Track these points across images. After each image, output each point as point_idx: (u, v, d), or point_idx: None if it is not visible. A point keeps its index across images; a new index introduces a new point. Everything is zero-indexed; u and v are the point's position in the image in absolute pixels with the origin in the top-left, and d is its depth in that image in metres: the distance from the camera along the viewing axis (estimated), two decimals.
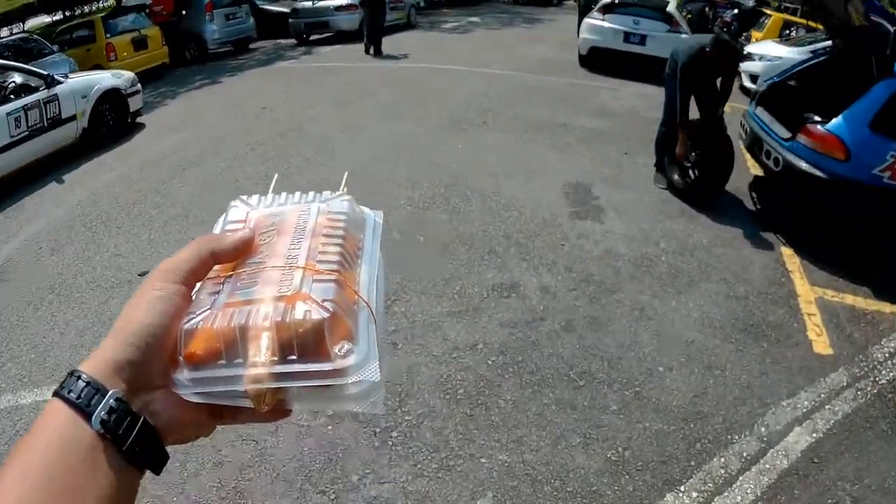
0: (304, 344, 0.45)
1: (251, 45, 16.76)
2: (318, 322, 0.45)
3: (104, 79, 8.40)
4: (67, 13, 18.98)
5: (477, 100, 9.56)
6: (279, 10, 17.98)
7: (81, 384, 0.43)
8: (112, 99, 8.34)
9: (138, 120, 9.08)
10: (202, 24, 15.07)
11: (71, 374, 0.45)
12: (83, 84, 7.97)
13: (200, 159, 7.30)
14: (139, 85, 9.01)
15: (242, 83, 11.84)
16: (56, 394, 0.44)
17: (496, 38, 16.13)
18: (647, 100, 9.31)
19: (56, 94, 7.41)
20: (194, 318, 0.47)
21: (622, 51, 11.51)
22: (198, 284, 0.51)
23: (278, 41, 17.08)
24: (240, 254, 0.53)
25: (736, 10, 15.62)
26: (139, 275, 4.69)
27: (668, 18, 11.28)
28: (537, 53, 13.58)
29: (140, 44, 12.91)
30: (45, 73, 7.55)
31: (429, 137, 7.83)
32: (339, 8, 15.58)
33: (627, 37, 11.29)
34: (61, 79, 7.66)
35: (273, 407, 0.46)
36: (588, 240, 5.15)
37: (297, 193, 0.60)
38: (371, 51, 13.98)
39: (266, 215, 0.57)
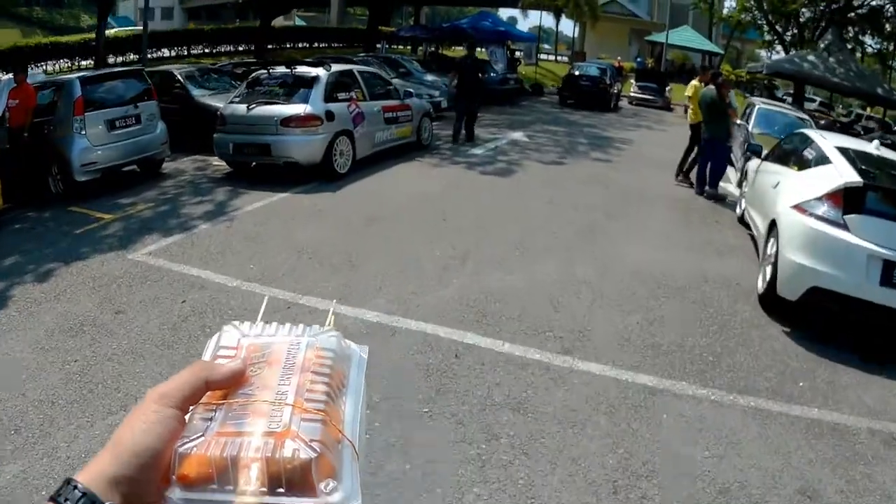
0: (291, 479, 0.48)
1: (164, 168, 10.29)
2: (305, 461, 0.48)
3: None
4: None
5: None
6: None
7: (78, 494, 0.46)
8: None
9: None
10: (67, 137, 8.64)
11: (67, 482, 0.47)
12: None
13: None
14: None
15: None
16: (52, 499, 0.46)
17: (559, 188, 9.65)
18: None
19: None
20: (188, 442, 0.50)
21: (879, 305, 4.88)
22: (191, 409, 0.53)
23: (208, 160, 10.59)
24: (232, 384, 0.55)
25: None
26: None
27: None
28: (643, 254, 6.95)
29: None
30: None
31: None
32: (288, 121, 9.01)
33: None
34: None
35: None
36: None
37: (287, 325, 0.62)
38: (462, 138, 12.51)
39: (257, 345, 0.59)
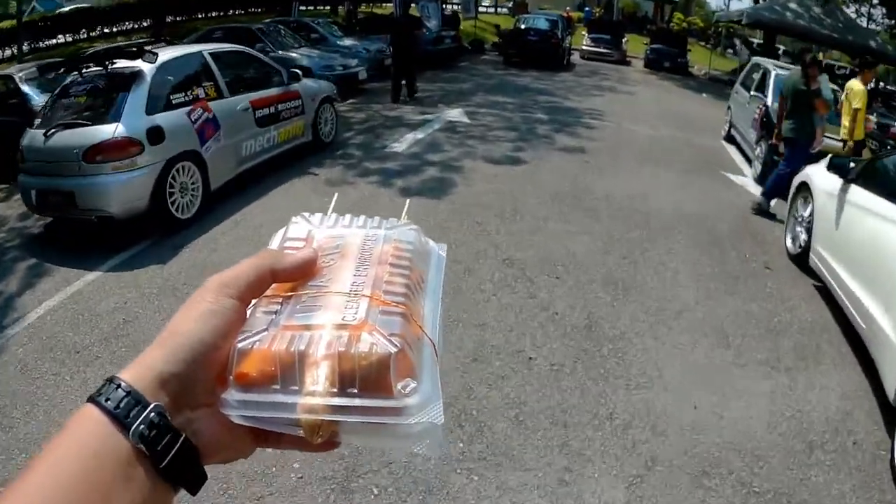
0: (366, 377, 0.43)
1: None
2: (384, 356, 0.43)
3: None
4: None
5: None
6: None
7: (121, 393, 0.41)
8: None
9: None
10: None
11: (110, 380, 0.42)
12: None
13: None
14: None
15: None
16: (92, 399, 0.41)
17: (519, 220, 6.39)
18: None
19: None
20: (250, 337, 0.45)
21: None
22: (253, 302, 0.48)
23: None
24: (302, 274, 0.49)
25: None
26: None
27: None
28: (678, 394, 3.89)
29: None
30: None
31: None
32: (93, 153, 5.33)
33: None
34: None
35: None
36: None
37: (362, 217, 0.58)
38: (404, 95, 11.86)
39: (329, 236, 0.54)
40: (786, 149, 7.11)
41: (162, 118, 5.73)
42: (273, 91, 7.44)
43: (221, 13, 27.27)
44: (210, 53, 6.75)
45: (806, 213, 5.81)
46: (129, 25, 23.20)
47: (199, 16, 26.38)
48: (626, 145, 9.70)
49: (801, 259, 5.60)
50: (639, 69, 23.24)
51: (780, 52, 27.65)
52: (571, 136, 9.95)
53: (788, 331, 4.49)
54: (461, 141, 9.10)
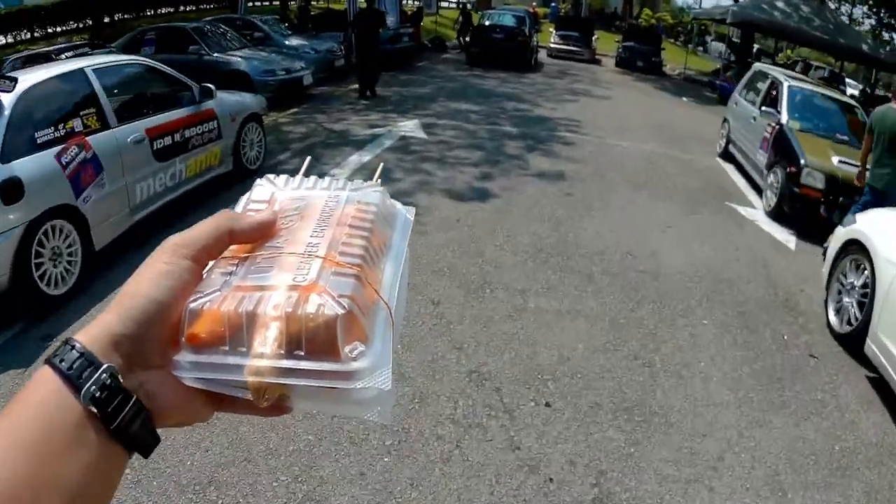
0: (313, 340, 0.42)
1: None
2: (330, 318, 0.42)
3: None
4: None
5: None
6: None
7: (75, 354, 0.41)
8: None
9: None
10: None
11: (66, 342, 0.42)
12: None
13: None
14: None
15: None
16: (48, 361, 0.41)
17: (492, 297, 4.91)
18: None
19: None
20: (201, 297, 0.44)
21: None
22: (210, 263, 0.47)
23: None
24: (259, 235, 0.49)
25: None
26: None
27: None
28: None
29: None
30: None
31: None
32: None
33: None
34: None
35: (274, 403, 0.44)
36: None
37: (328, 179, 0.56)
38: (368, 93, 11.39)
39: (292, 198, 0.53)
40: (869, 195, 5.81)
41: (21, 166, 4.03)
42: (178, 113, 5.74)
43: (172, 10, 25.36)
44: (95, 71, 5.00)
45: (858, 282, 4.48)
46: (72, 25, 21.16)
47: (148, 13, 24.55)
48: (612, 167, 8.24)
49: (850, 340, 4.39)
50: (610, 69, 21.93)
51: (755, 50, 26.70)
52: (547, 157, 8.45)
53: (854, 465, 3.31)
54: (415, 165, 7.50)
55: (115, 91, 5.21)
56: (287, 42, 13.52)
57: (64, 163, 4.37)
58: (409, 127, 9.40)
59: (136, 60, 6.04)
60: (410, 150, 8.15)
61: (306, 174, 0.57)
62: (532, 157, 8.35)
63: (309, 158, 0.66)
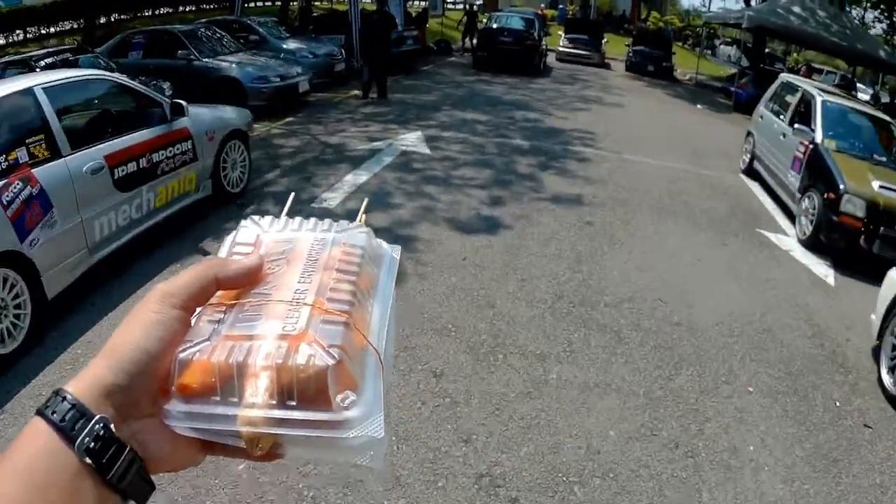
0: (304, 390, 0.42)
1: None
2: (321, 369, 0.42)
3: None
4: None
5: None
6: None
7: (66, 406, 0.41)
8: None
9: None
10: None
11: (56, 393, 0.42)
12: None
13: None
14: None
15: None
16: (39, 412, 0.42)
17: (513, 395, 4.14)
18: None
19: None
20: (191, 347, 0.45)
21: None
22: (198, 310, 0.48)
23: None
24: (247, 282, 0.49)
25: None
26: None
27: None
28: None
29: None
30: None
31: None
32: None
33: None
34: None
35: (267, 451, 0.44)
36: None
37: (313, 220, 0.55)
38: (373, 93, 11.23)
39: (277, 241, 0.53)
40: None
41: None
42: (145, 135, 5.08)
43: (171, 10, 24.70)
44: (46, 90, 4.32)
45: None
46: (66, 26, 20.44)
47: (146, 13, 23.89)
48: (632, 188, 7.56)
49: None
50: (620, 73, 21.24)
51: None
52: (563, 176, 7.77)
53: None
54: (417, 187, 6.82)
55: (70, 113, 4.57)
56: (284, 45, 12.85)
57: (5, 202, 3.72)
58: (412, 140, 8.72)
59: (96, 76, 5.38)
60: (412, 169, 7.48)
61: (290, 214, 0.57)
62: (546, 176, 7.67)
63: (293, 195, 0.65)
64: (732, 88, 17.11)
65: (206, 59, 10.23)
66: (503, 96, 13.44)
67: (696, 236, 6.31)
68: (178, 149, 5.39)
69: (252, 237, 0.53)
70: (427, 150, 8.30)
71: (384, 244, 0.56)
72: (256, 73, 10.03)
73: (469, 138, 9.23)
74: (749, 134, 9.38)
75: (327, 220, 0.55)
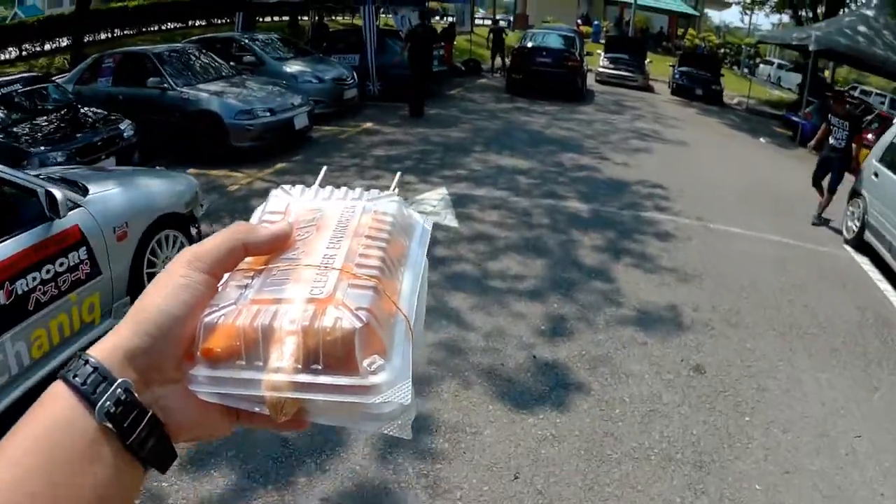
0: (330, 354, 0.41)
1: None
2: (348, 332, 0.41)
3: None
4: None
5: None
6: None
7: (89, 369, 0.40)
8: None
9: None
10: None
11: (78, 356, 0.41)
12: None
13: None
14: None
15: None
16: (60, 376, 0.40)
17: None
18: None
19: None
20: (216, 311, 0.43)
21: None
22: (225, 276, 0.46)
23: None
24: (275, 247, 0.48)
25: None
26: None
27: None
28: None
29: None
30: None
31: None
32: None
33: None
34: None
35: (291, 417, 0.42)
36: None
37: (344, 189, 0.54)
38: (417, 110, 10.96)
39: (307, 209, 0.52)
40: None
41: None
42: (4, 250, 3.07)
43: (181, 25, 22.96)
44: None
45: None
46: (61, 42, 18.88)
47: (153, 27, 22.25)
48: (739, 290, 5.37)
49: None
50: (666, 97, 19.03)
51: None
52: (644, 269, 5.59)
53: None
54: (438, 298, 4.69)
55: None
56: (285, 68, 10.87)
57: None
58: (433, 203, 6.50)
59: None
60: (432, 259, 5.35)
61: (322, 184, 0.55)
62: (621, 270, 5.50)
63: (325, 168, 0.60)
64: (795, 118, 14.85)
65: (183, 88, 8.25)
66: (545, 130, 11.33)
67: (836, 378, 4.14)
68: (61, 263, 3.35)
69: (282, 206, 0.52)
70: (454, 224, 6.14)
71: (415, 214, 0.54)
72: (240, 107, 8.02)
73: (509, 200, 7.10)
74: (856, 195, 7.15)
75: (358, 189, 0.53)
